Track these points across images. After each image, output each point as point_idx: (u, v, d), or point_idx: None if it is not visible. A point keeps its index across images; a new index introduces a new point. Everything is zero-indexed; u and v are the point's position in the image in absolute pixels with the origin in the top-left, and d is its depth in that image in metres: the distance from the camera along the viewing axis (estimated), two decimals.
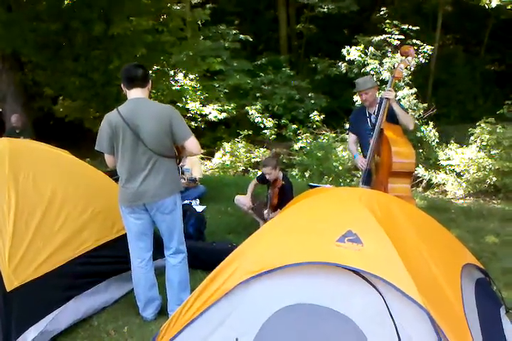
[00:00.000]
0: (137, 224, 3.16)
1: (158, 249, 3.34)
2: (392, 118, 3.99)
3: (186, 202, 5.54)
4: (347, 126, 10.95)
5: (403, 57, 4.14)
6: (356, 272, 2.07)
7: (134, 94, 3.10)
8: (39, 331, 2.81)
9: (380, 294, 2.03)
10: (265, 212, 4.77)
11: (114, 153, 3.09)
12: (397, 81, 4.08)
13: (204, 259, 3.85)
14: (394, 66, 10.86)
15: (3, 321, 2.62)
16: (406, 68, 4.02)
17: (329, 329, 2.10)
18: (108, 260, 3.42)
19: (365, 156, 4.20)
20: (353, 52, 11.73)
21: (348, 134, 4.74)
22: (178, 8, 10.93)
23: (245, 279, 2.21)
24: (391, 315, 2.00)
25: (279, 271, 2.16)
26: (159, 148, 3.04)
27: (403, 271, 2.00)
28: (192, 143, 3.09)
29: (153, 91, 9.14)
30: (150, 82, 3.21)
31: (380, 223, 2.24)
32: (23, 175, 3.15)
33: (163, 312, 3.34)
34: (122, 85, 3.15)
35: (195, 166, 6.22)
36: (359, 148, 4.45)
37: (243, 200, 5.03)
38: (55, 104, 10.47)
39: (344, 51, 11.86)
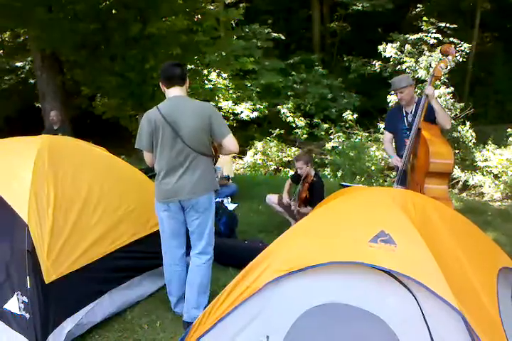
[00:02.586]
0: (171, 223, 3.18)
1: (189, 245, 3.35)
2: (429, 116, 3.92)
3: (218, 200, 5.59)
4: (381, 125, 10.85)
5: (443, 56, 4.06)
6: (389, 273, 2.04)
7: (173, 92, 3.14)
8: (75, 323, 2.90)
9: (413, 296, 2.01)
10: (292, 203, 4.77)
11: (153, 150, 3.13)
12: (436, 80, 4.00)
13: (235, 257, 3.88)
14: (430, 64, 10.66)
15: (41, 312, 2.70)
16: (446, 67, 3.95)
17: (360, 329, 2.09)
18: (142, 255, 3.48)
19: (400, 156, 4.14)
20: (389, 49, 11.55)
21: (383, 133, 4.69)
22: (212, 7, 11.01)
23: (276, 277, 2.22)
24: (424, 317, 1.98)
25: (310, 270, 2.16)
26: (197, 146, 3.05)
27: (437, 272, 1.97)
28: (230, 141, 3.09)
29: (188, 90, 9.25)
30: (188, 80, 3.23)
31: (414, 224, 2.21)
32: (62, 171, 3.24)
33: None
34: (161, 84, 3.18)
35: (227, 165, 6.28)
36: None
37: (274, 199, 5.05)
38: (92, 102, 10.72)
39: (380, 48, 11.69)
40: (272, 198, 5.06)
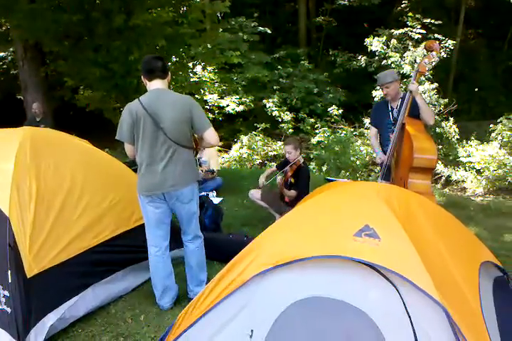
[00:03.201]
0: (156, 212, 3.21)
1: (174, 239, 3.38)
2: (414, 112, 3.95)
3: (203, 193, 5.57)
4: (365, 120, 10.91)
5: (428, 52, 4.08)
6: (373, 267, 2.05)
7: (155, 85, 3.15)
8: (57, 317, 2.87)
9: (397, 289, 2.02)
10: (278, 178, 4.72)
11: (133, 142, 3.14)
12: (420, 75, 4.03)
13: (220, 251, 3.88)
14: (415, 60, 10.73)
15: (23, 307, 2.66)
16: (430, 63, 3.97)
17: (344, 323, 2.10)
18: (126, 249, 3.47)
19: (385, 151, 4.16)
20: (375, 43, 11.59)
21: (368, 128, 4.71)
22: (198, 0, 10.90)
23: (261, 271, 2.22)
24: (407, 311, 1.99)
25: (295, 264, 2.16)
26: (179, 138, 3.08)
27: (420, 266, 1.98)
28: (211, 134, 3.14)
29: (172, 83, 9.18)
30: (169, 73, 3.25)
31: (398, 218, 2.22)
32: (44, 164, 3.20)
33: (179, 302, 3.39)
34: (143, 77, 3.21)
35: (213, 158, 6.25)
36: None
37: (257, 195, 5.02)
38: (75, 94, 10.58)
39: (367, 41, 11.72)
40: (256, 194, 5.03)
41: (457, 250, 2.42)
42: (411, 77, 4.65)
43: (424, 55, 4.08)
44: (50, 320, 2.82)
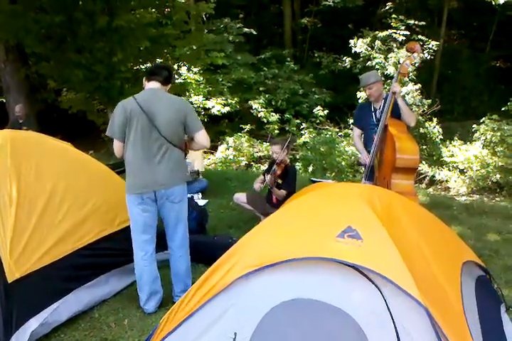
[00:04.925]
0: (144, 216, 3.18)
1: (159, 243, 3.34)
2: (397, 112, 3.98)
3: (188, 195, 5.54)
4: (351, 121, 10.96)
5: (409, 54, 4.12)
6: (355, 268, 2.06)
7: (151, 85, 3.21)
8: (39, 322, 2.82)
9: (379, 290, 2.03)
10: (268, 177, 4.58)
11: (124, 140, 3.13)
12: (402, 77, 4.06)
13: (205, 253, 3.85)
14: (399, 61, 10.82)
15: (3, 312, 2.62)
16: (412, 64, 4.02)
17: (328, 324, 2.10)
18: (109, 252, 3.43)
19: (369, 151, 4.18)
20: (359, 44, 11.68)
21: (352, 129, 4.72)
22: (183, 1, 10.87)
23: (245, 273, 2.21)
24: (389, 311, 2.00)
25: (279, 265, 2.15)
26: (172, 136, 3.11)
27: (402, 267, 1.99)
28: (202, 136, 3.21)
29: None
30: (170, 85, 3.32)
31: (381, 219, 2.23)
32: (25, 167, 3.16)
33: (163, 305, 3.36)
34: (144, 80, 3.27)
35: (198, 159, 6.23)
36: None
37: (243, 198, 4.97)
38: (58, 96, 10.46)
39: (351, 42, 11.81)
40: (241, 197, 4.96)
41: (439, 250, 2.44)
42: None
43: (406, 57, 4.12)
44: (32, 325, 2.77)
